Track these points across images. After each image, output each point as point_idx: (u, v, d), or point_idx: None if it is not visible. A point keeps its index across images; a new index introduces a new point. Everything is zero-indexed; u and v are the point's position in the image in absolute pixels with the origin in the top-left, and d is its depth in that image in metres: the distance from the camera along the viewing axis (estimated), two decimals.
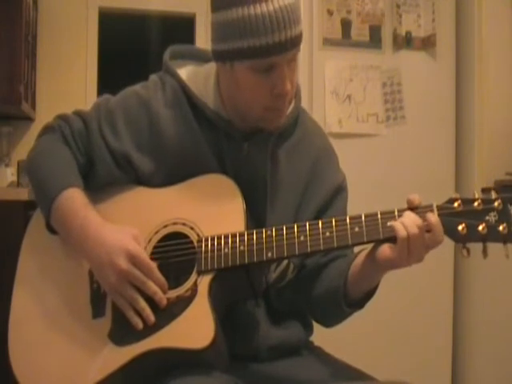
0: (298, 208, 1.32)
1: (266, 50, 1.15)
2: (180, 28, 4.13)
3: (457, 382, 2.75)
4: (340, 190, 1.38)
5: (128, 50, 5.36)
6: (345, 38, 2.63)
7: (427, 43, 2.70)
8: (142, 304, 1.18)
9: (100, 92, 3.87)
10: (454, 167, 2.76)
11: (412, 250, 1.12)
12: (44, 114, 3.69)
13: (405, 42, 2.68)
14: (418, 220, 1.12)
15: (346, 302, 1.25)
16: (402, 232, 1.11)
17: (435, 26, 2.70)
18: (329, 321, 1.36)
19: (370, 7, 2.65)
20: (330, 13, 2.61)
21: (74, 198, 1.25)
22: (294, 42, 1.17)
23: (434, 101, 2.73)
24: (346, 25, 2.63)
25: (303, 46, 2.57)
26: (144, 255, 1.19)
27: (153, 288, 1.18)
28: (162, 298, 1.18)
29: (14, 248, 1.36)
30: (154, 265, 1.19)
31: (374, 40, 2.66)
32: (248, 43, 1.15)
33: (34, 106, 3.75)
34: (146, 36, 5.27)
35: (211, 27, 1.23)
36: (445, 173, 2.72)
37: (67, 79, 3.89)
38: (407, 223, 1.12)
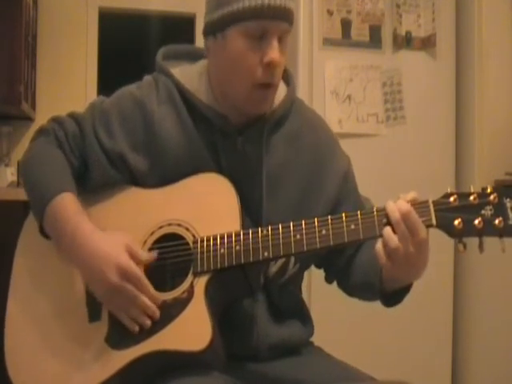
0: (302, 200, 1.31)
1: (261, 10, 1.17)
2: (180, 28, 4.13)
3: (457, 382, 2.75)
4: (348, 177, 1.38)
5: (128, 50, 5.36)
6: (345, 38, 2.63)
7: (427, 43, 2.70)
8: (136, 312, 1.17)
9: (100, 92, 3.87)
10: (454, 167, 2.76)
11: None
12: (44, 114, 3.67)
13: (405, 42, 2.68)
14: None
15: (382, 296, 1.24)
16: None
17: (435, 26, 2.70)
18: (366, 301, 1.37)
19: (370, 7, 2.65)
20: (330, 13, 2.61)
21: (66, 204, 1.24)
22: (287, 13, 1.20)
23: (434, 101, 2.73)
24: (346, 25, 2.63)
25: (303, 46, 2.60)
26: (136, 269, 1.18)
27: (145, 302, 1.17)
28: (154, 311, 1.17)
29: (13, 248, 1.36)
30: (145, 279, 1.18)
31: (374, 40, 2.66)
32: (243, 4, 1.18)
33: (33, 106, 3.74)
34: (146, 36, 5.26)
35: (206, 4, 1.26)
36: (445, 173, 2.71)
37: (67, 79, 3.89)
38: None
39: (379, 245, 1.13)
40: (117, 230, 1.24)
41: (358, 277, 1.32)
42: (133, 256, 1.19)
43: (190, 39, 4.06)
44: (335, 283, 1.42)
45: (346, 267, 1.35)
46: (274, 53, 1.20)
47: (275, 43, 1.20)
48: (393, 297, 1.24)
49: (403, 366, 2.57)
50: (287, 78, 1.35)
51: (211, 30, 1.24)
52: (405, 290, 1.23)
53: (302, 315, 1.39)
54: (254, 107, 1.27)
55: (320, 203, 1.32)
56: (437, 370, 2.70)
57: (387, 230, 1.11)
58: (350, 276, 1.34)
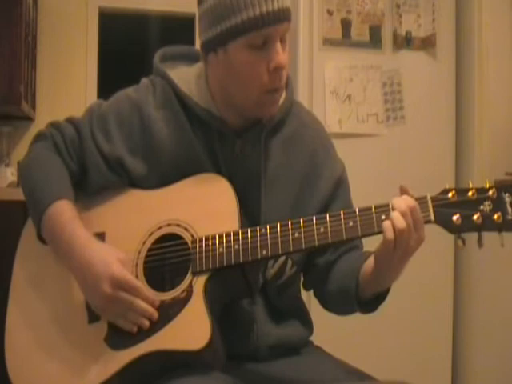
0: (297, 201, 1.32)
1: (261, 20, 1.16)
2: (180, 28, 4.12)
3: (457, 382, 2.75)
4: (341, 182, 1.38)
5: (128, 50, 5.36)
6: (345, 37, 2.63)
7: (427, 43, 2.70)
8: (135, 316, 1.17)
9: (100, 92, 3.87)
10: (454, 167, 2.76)
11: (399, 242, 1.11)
12: (44, 114, 3.68)
13: (405, 41, 2.68)
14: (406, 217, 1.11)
15: (358, 302, 1.24)
16: (389, 232, 1.11)
17: (435, 26, 2.70)
18: (341, 314, 1.38)
19: (370, 7, 2.65)
20: (330, 13, 2.61)
21: (63, 212, 1.24)
22: (286, 13, 1.19)
23: (434, 101, 2.73)
24: (346, 25, 2.63)
25: (303, 46, 2.60)
26: (129, 277, 1.18)
27: (141, 306, 1.17)
28: (152, 313, 1.17)
29: (13, 248, 1.36)
30: (141, 284, 1.19)
31: (374, 40, 2.66)
32: (242, 17, 1.16)
33: (34, 106, 3.74)
34: (146, 36, 5.26)
35: (199, 21, 1.26)
36: (445, 173, 2.71)
37: (67, 79, 3.89)
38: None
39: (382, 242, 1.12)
40: (111, 245, 1.24)
41: (335, 283, 1.31)
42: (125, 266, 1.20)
43: (190, 39, 4.06)
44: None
45: (325, 272, 1.34)
46: (279, 57, 1.20)
47: (279, 47, 1.20)
48: (369, 303, 1.24)
49: (403, 365, 2.57)
50: (286, 80, 1.35)
51: (211, 46, 1.23)
52: (382, 296, 1.24)
53: (301, 315, 1.39)
54: (264, 112, 1.27)
55: (312, 205, 1.32)
56: (437, 370, 2.70)
57: (395, 213, 1.10)
58: (327, 283, 1.33)
